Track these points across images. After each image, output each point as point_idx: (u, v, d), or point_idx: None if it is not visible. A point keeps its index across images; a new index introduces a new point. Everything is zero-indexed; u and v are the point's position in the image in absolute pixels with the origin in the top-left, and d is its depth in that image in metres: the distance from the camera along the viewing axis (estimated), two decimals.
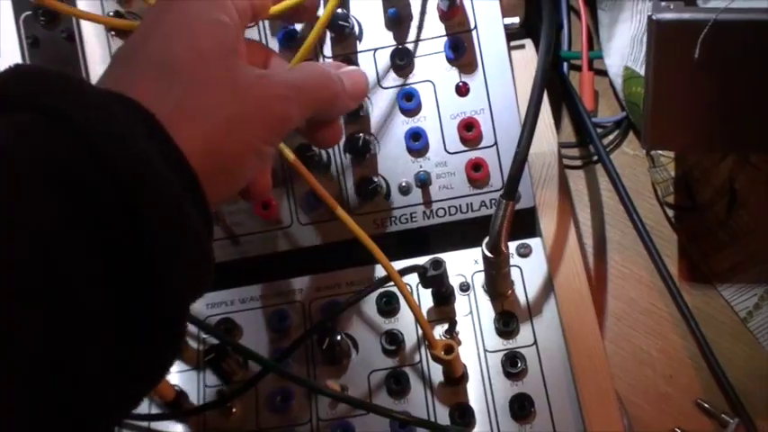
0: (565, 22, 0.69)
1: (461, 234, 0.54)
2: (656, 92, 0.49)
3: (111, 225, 0.28)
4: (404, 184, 0.53)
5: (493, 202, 0.53)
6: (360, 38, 0.54)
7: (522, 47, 0.57)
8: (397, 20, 0.53)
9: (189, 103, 0.34)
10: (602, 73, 0.67)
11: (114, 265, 0.28)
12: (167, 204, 0.29)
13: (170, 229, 0.29)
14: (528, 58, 0.57)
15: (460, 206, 0.53)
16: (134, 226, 0.28)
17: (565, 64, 0.68)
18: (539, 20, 0.57)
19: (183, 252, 0.30)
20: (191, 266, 0.31)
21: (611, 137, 0.66)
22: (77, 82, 0.31)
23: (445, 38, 0.53)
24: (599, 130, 0.65)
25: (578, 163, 0.65)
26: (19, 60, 0.56)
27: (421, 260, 0.50)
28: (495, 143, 0.53)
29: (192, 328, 0.52)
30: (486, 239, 0.47)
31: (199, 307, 0.53)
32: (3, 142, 0.28)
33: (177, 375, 0.51)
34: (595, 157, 0.65)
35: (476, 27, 0.53)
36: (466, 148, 0.53)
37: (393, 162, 0.53)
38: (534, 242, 0.52)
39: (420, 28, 0.54)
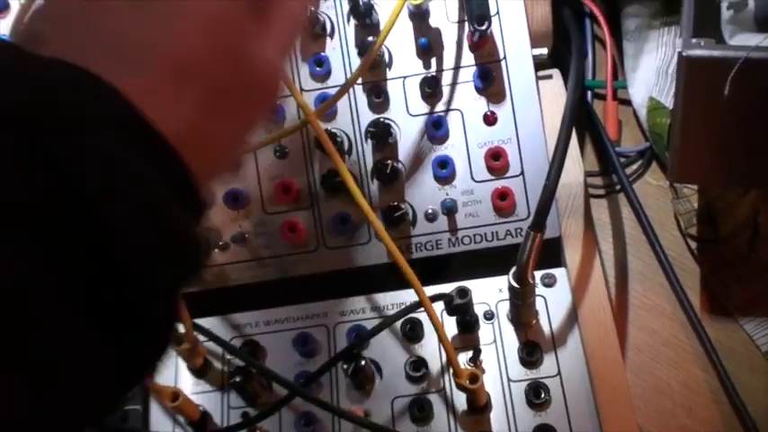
0: (590, 51, 0.69)
1: (483, 262, 0.54)
2: (684, 126, 0.49)
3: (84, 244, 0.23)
4: (430, 211, 0.54)
5: (518, 231, 0.53)
6: (390, 65, 0.55)
7: (550, 77, 0.58)
8: (428, 49, 0.54)
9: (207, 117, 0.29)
10: (626, 102, 0.68)
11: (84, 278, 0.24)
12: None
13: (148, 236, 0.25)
14: (555, 88, 0.57)
15: (486, 234, 0.53)
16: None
17: (589, 93, 0.68)
18: (566, 50, 0.58)
19: (167, 257, 0.26)
20: (175, 271, 0.27)
21: (634, 166, 0.66)
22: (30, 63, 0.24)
23: (474, 67, 0.54)
24: (622, 160, 0.65)
25: (601, 192, 0.65)
26: None
27: (445, 287, 0.51)
28: (522, 173, 0.53)
29: (216, 349, 0.52)
30: (513, 269, 0.47)
31: (224, 328, 0.53)
32: None
33: (202, 396, 0.52)
34: (618, 187, 0.65)
35: (505, 57, 0.54)
36: (492, 177, 0.53)
37: (420, 189, 0.54)
38: (559, 272, 0.52)
39: (450, 57, 0.54)
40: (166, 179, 0.26)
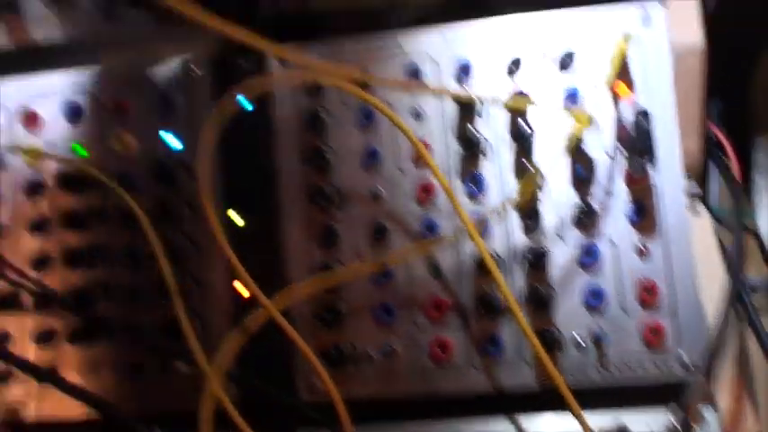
0: (716, 179, 0.70)
1: (630, 393, 0.55)
2: None
3: None
4: (578, 338, 0.54)
5: (667, 366, 0.53)
6: (541, 188, 0.56)
7: (697, 213, 0.58)
8: (583, 178, 0.55)
9: None
10: (752, 231, 0.68)
11: None
12: None
13: None
14: (703, 225, 0.58)
15: (634, 367, 0.54)
16: None
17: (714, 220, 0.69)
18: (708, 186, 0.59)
19: None
20: None
21: (761, 298, 0.66)
22: None
23: (628, 200, 0.55)
24: (748, 291, 0.65)
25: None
26: None
27: (591, 415, 0.50)
28: (673, 309, 0.54)
29: None
30: (675, 412, 0.47)
31: None
32: None
33: None
34: (745, 319, 0.65)
35: (659, 193, 0.55)
36: (643, 310, 0.54)
37: (569, 315, 0.55)
38: (709, 413, 0.52)
39: (604, 188, 0.55)
40: None
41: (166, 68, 0.61)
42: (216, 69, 0.60)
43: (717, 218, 0.70)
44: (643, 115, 0.53)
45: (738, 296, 0.66)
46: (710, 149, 0.70)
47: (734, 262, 0.52)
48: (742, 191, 0.53)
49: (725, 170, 0.59)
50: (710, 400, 0.53)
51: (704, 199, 0.60)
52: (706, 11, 0.58)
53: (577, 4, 0.57)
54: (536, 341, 0.49)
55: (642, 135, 0.53)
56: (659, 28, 0.55)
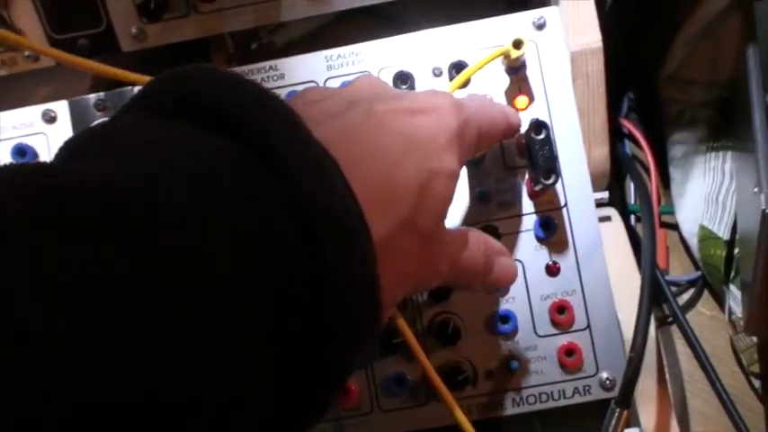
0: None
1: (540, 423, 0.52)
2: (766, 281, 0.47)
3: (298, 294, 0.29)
4: (491, 369, 0.50)
5: (586, 388, 0.50)
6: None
7: (609, 218, 0.55)
8: (485, 197, 0.52)
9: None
10: (671, 227, 0.66)
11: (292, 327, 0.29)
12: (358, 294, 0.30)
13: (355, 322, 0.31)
14: (615, 230, 0.55)
15: (552, 393, 0.50)
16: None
17: (632, 217, 0.66)
18: (619, 189, 0.57)
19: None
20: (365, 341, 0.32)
21: (685, 296, 0.64)
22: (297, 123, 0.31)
23: (534, 216, 0.51)
24: (672, 289, 0.63)
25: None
26: None
27: None
28: (588, 326, 0.50)
29: None
30: None
31: None
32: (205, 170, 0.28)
33: None
34: (670, 319, 0.62)
35: (566, 204, 0.51)
36: (557, 332, 0.51)
37: (480, 345, 0.51)
38: None
39: (507, 206, 0.52)
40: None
41: None
42: None
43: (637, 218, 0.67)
44: (542, 126, 0.49)
45: (657, 296, 0.63)
46: (622, 147, 0.68)
47: (647, 260, 0.49)
48: (647, 186, 0.50)
49: (633, 169, 0.56)
50: (633, 422, 0.50)
51: (623, 199, 0.58)
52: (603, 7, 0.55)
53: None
54: (435, 376, 0.45)
55: (542, 147, 0.49)
56: (554, 31, 0.52)
